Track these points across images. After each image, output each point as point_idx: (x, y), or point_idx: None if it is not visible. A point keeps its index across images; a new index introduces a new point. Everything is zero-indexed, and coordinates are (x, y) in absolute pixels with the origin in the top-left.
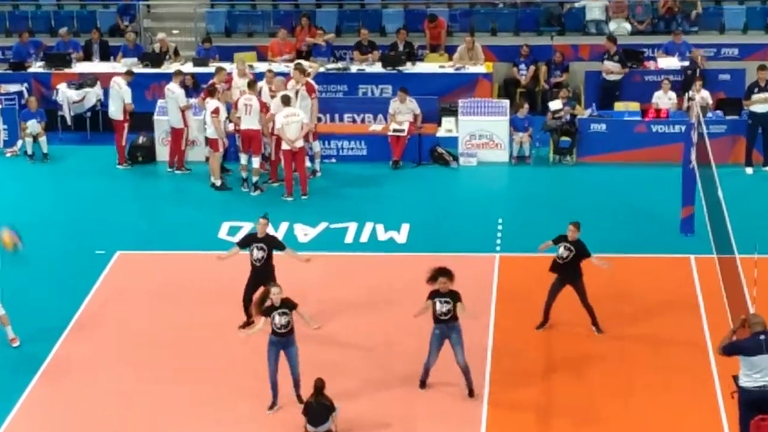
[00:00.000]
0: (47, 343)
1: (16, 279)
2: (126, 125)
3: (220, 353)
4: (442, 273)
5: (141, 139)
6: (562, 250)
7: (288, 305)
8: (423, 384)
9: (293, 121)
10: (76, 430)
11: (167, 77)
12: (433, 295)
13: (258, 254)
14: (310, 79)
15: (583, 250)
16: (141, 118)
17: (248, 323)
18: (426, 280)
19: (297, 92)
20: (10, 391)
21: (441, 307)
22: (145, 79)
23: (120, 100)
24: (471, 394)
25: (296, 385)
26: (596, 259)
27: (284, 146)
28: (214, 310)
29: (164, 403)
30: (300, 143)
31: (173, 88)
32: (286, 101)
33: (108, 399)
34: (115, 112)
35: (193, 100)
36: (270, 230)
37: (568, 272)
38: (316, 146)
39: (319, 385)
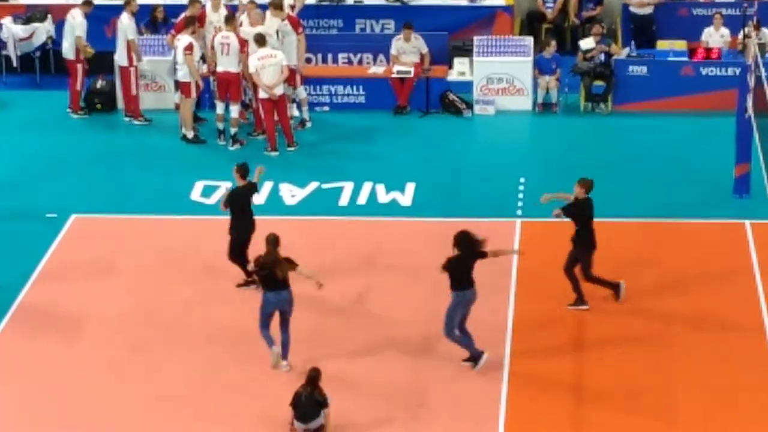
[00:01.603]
0: None
1: None
2: (80, 66)
3: (191, 330)
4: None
5: (99, 83)
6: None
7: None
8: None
9: (270, 63)
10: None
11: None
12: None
13: None
14: (293, 12)
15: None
16: (101, 58)
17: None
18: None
19: (277, 31)
20: None
21: None
22: (105, 12)
23: (74, 36)
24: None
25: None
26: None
27: (262, 94)
28: (184, 283)
29: (120, 394)
30: (280, 90)
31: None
32: (260, 40)
33: (58, 385)
34: (69, 50)
35: (161, 37)
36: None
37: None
38: (302, 92)
39: (314, 375)
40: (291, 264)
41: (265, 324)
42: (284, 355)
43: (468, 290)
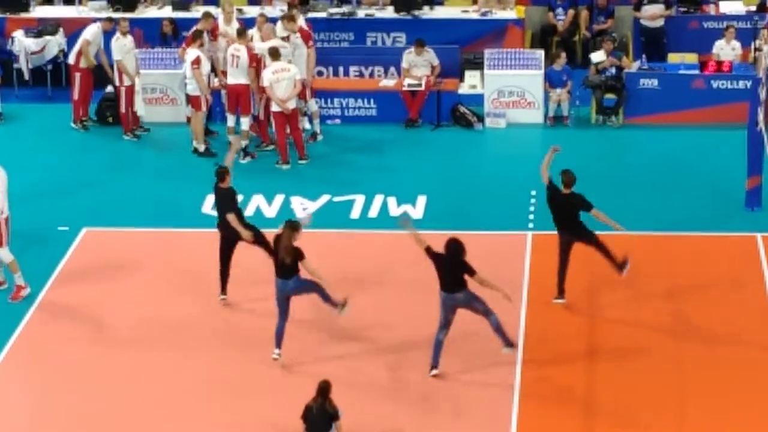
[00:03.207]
0: (2, 334)
1: None
2: (78, 74)
3: (202, 339)
4: None
5: (111, 94)
6: None
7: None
8: None
9: (284, 77)
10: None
11: (144, 23)
12: None
13: None
14: (303, 24)
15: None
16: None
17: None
18: None
19: (288, 37)
20: None
21: None
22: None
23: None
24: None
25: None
26: None
27: (274, 107)
28: (196, 296)
29: (131, 405)
30: (292, 104)
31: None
32: (274, 54)
33: (69, 396)
34: (72, 55)
35: (173, 51)
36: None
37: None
38: (313, 105)
39: (324, 386)
40: (298, 254)
41: (280, 314)
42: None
43: (443, 292)
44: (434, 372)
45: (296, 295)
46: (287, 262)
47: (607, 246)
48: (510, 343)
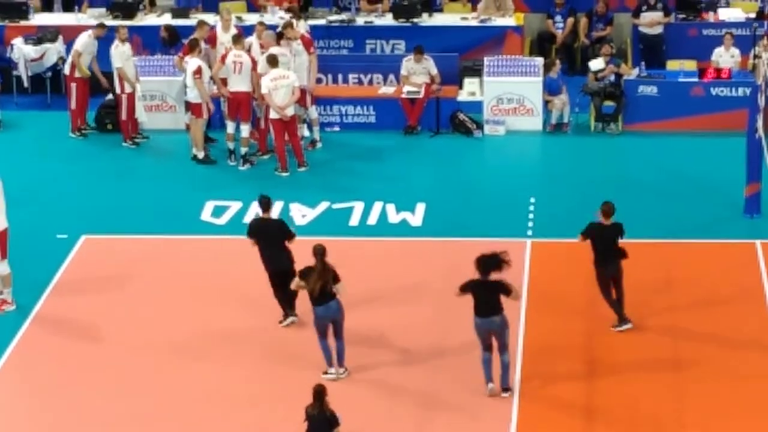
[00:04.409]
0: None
1: None
2: (74, 84)
3: (205, 345)
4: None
5: (110, 101)
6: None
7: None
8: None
9: (282, 84)
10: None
11: (143, 31)
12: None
13: None
14: (305, 32)
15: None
16: (110, 78)
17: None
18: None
19: (288, 43)
20: None
21: None
22: (114, 33)
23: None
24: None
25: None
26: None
27: (273, 114)
28: (196, 304)
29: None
30: (291, 111)
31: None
32: (272, 61)
33: (69, 402)
34: (67, 65)
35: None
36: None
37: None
38: (313, 112)
39: (319, 390)
40: (336, 276)
41: (321, 337)
42: (340, 362)
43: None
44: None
45: (340, 316)
46: (330, 287)
47: (624, 294)
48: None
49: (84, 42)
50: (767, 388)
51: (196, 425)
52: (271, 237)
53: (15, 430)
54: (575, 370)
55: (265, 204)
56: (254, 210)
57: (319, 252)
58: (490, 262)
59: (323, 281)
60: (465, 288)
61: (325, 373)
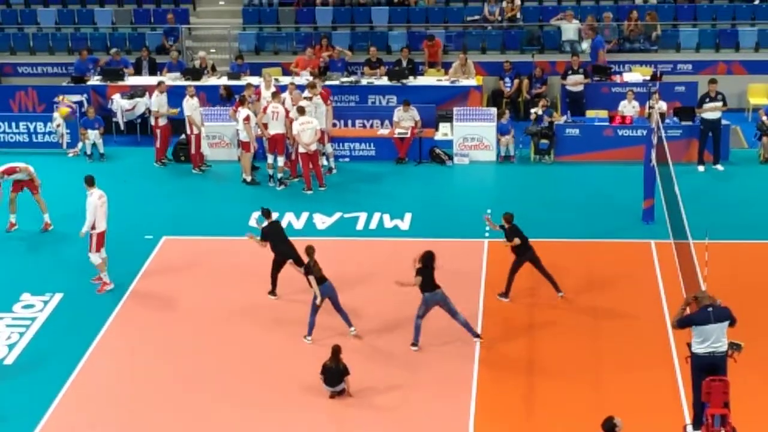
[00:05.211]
0: (106, 309)
1: (78, 257)
2: (158, 131)
3: (252, 318)
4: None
5: (183, 140)
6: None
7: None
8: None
9: (308, 128)
10: (126, 399)
11: (207, 89)
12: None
13: None
14: (323, 89)
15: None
16: (182, 123)
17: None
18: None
19: (311, 98)
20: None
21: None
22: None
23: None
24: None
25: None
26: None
27: (301, 149)
28: (244, 284)
29: (199, 375)
30: (314, 146)
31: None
32: (301, 111)
33: (150, 375)
34: (151, 118)
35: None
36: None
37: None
38: (329, 147)
39: (336, 349)
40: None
41: (315, 312)
42: (349, 323)
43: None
44: (415, 348)
45: (335, 293)
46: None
47: (551, 274)
48: (477, 334)
49: (155, 101)
50: (658, 345)
51: (253, 368)
52: (281, 234)
53: (132, 375)
54: (520, 336)
55: (267, 213)
56: (287, 218)
57: (310, 251)
58: (430, 256)
59: (319, 267)
60: (419, 272)
61: (305, 337)
